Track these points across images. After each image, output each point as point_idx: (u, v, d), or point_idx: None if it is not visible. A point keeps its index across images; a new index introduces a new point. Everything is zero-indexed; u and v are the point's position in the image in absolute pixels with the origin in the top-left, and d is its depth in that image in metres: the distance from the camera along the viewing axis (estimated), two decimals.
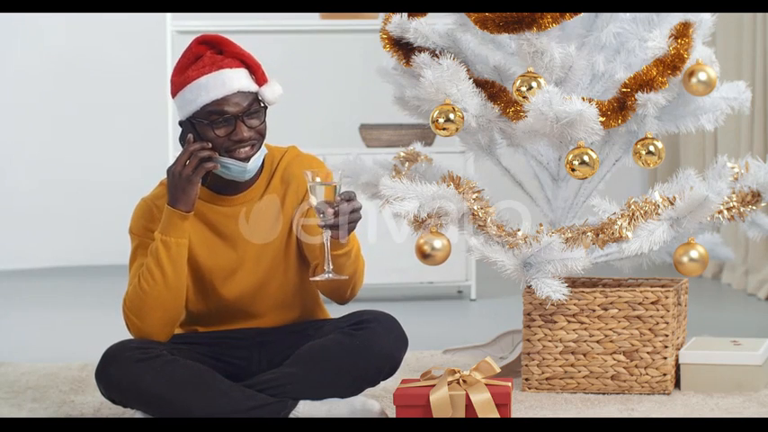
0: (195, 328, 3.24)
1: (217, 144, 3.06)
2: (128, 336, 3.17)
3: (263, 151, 3.13)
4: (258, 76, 3.12)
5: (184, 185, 3.04)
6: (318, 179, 2.96)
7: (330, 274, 3.00)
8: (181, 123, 3.12)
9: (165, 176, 3.09)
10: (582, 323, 3.52)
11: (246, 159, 3.08)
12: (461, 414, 3.02)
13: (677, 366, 3.56)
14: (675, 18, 3.59)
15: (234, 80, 3.07)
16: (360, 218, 3.01)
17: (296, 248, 3.20)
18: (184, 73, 3.09)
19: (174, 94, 3.11)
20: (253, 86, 3.10)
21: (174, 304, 3.08)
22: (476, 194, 3.58)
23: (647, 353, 3.50)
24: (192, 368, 3.05)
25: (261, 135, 3.11)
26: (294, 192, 3.18)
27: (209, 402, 3.01)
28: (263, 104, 3.12)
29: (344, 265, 3.08)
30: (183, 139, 3.12)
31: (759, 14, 5.55)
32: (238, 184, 3.16)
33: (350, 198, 2.98)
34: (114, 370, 3.04)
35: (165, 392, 3.01)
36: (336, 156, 3.65)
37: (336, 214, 2.95)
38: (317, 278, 3.03)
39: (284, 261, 3.19)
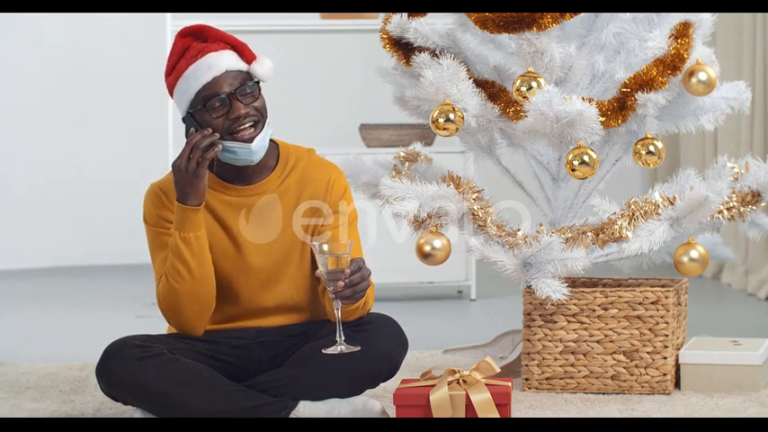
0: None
1: (217, 127, 3.06)
2: (126, 332, 3.17)
3: (267, 132, 3.12)
4: (246, 55, 3.14)
5: (191, 179, 3.04)
6: (327, 249, 2.93)
7: (342, 347, 2.97)
8: (184, 120, 3.13)
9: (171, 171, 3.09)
10: (582, 323, 3.52)
11: (250, 140, 3.08)
12: (461, 414, 3.02)
13: (677, 366, 3.56)
14: (675, 18, 3.59)
15: (220, 61, 3.09)
16: (369, 285, 3.01)
17: (310, 253, 3.21)
18: (174, 68, 3.12)
19: (170, 91, 3.14)
20: (242, 65, 3.12)
21: (206, 294, 3.10)
22: (476, 194, 3.58)
23: (647, 353, 3.50)
24: (192, 367, 3.06)
25: (260, 113, 3.11)
26: (309, 196, 3.19)
27: (210, 401, 3.01)
28: (256, 82, 3.12)
29: (355, 313, 3.13)
30: (186, 137, 3.12)
31: (759, 14, 5.54)
32: (249, 176, 3.16)
33: (359, 267, 2.97)
34: (115, 366, 3.05)
35: (165, 389, 3.01)
36: (336, 156, 3.64)
37: (347, 286, 2.94)
38: (328, 351, 2.98)
39: (294, 262, 3.19)
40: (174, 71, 3.11)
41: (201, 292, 3.09)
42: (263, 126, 3.11)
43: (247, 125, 3.08)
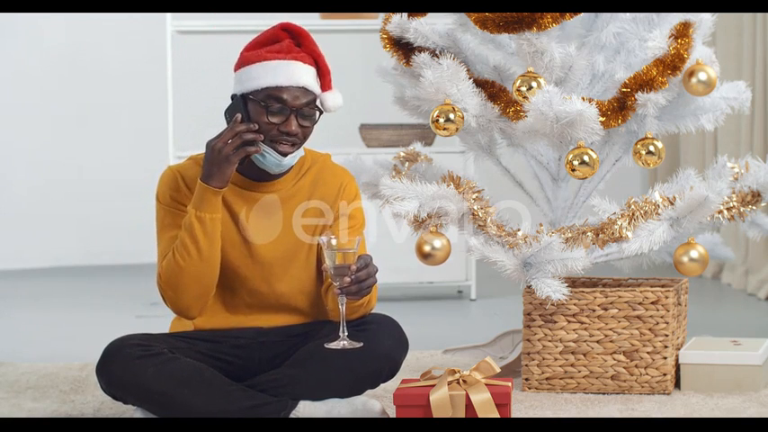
0: (202, 322, 3.23)
1: (264, 130, 3.06)
2: (126, 332, 3.17)
3: (300, 153, 3.13)
4: (325, 81, 3.15)
5: (221, 163, 3.03)
6: (335, 243, 2.93)
7: (345, 342, 2.97)
8: (233, 97, 3.11)
9: (204, 149, 3.07)
10: (582, 323, 3.52)
11: (285, 155, 3.08)
12: (461, 414, 3.02)
13: (677, 366, 3.56)
14: (675, 18, 3.59)
15: (303, 75, 3.09)
16: (375, 282, 3.01)
17: (315, 255, 3.21)
18: (257, 50, 3.12)
19: (238, 66, 3.12)
20: (317, 88, 3.13)
21: (209, 278, 3.09)
22: (476, 194, 3.58)
23: (647, 353, 3.50)
24: (192, 366, 3.06)
25: (304, 138, 3.12)
26: (320, 198, 3.20)
27: (210, 400, 3.01)
28: (319, 109, 3.13)
29: (358, 310, 3.12)
30: (228, 114, 3.10)
31: (759, 14, 5.55)
32: (266, 174, 3.17)
33: (366, 264, 2.97)
34: (115, 366, 3.04)
35: (165, 389, 3.01)
36: (336, 156, 3.64)
37: (353, 282, 2.94)
38: (331, 345, 2.99)
39: (299, 262, 3.19)
40: (255, 52, 3.11)
41: (205, 274, 3.08)
42: (299, 148, 3.13)
43: (290, 143, 3.09)
